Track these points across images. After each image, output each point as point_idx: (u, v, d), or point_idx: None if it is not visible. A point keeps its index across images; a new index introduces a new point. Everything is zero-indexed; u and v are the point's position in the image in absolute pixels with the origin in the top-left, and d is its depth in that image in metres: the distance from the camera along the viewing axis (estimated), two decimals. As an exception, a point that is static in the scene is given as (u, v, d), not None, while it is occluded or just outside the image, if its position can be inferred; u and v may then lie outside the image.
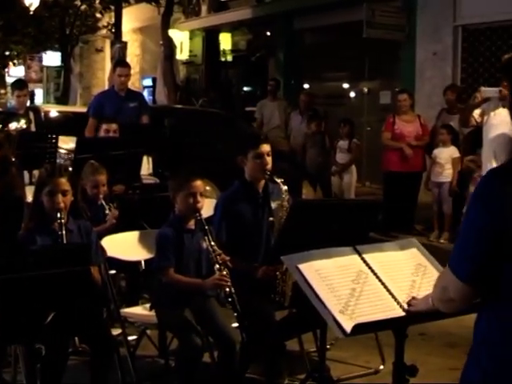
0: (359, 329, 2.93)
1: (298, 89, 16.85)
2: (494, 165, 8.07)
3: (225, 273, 4.85)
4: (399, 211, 10.99)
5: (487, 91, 7.89)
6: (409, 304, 3.04)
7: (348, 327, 2.93)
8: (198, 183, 5.10)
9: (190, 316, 4.98)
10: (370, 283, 3.17)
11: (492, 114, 8.06)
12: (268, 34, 19.08)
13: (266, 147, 5.44)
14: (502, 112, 7.67)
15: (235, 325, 4.97)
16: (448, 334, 6.90)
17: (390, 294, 3.13)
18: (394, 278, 3.22)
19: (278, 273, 5.17)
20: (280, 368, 5.25)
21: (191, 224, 5.12)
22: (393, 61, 14.81)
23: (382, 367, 5.92)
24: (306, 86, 17.61)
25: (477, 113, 8.31)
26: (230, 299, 4.80)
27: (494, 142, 8.19)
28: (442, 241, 10.39)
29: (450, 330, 6.86)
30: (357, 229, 4.07)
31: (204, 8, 20.71)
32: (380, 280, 3.18)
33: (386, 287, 3.16)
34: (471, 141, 10.47)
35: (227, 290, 4.82)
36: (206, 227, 4.96)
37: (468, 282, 2.40)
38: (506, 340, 2.38)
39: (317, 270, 3.15)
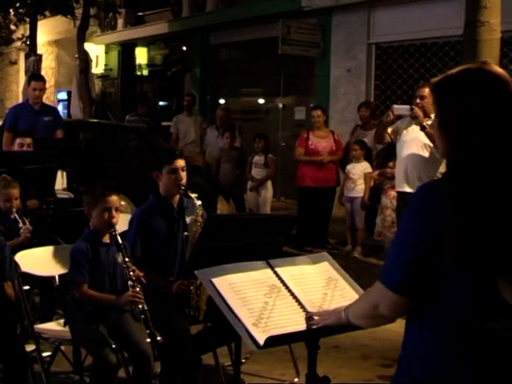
0: (272, 341, 2.96)
1: (214, 104, 16.90)
2: (405, 183, 8.24)
3: (138, 289, 4.83)
4: (313, 226, 11.11)
5: (399, 109, 8.04)
6: (311, 318, 3.07)
7: (261, 340, 2.95)
8: (113, 198, 5.07)
9: (104, 331, 4.95)
10: (283, 297, 3.21)
11: (404, 131, 8.21)
12: (184, 48, 19.08)
13: (180, 162, 5.46)
14: (414, 129, 7.83)
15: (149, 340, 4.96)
16: (361, 346, 6.98)
17: (302, 307, 3.18)
18: (305, 291, 3.26)
19: (192, 287, 5.19)
20: (196, 382, 5.24)
21: (106, 238, 5.09)
22: (308, 77, 14.96)
23: (296, 380, 5.96)
24: (222, 101, 17.66)
25: (389, 130, 8.46)
26: (142, 316, 4.78)
27: (406, 160, 8.35)
28: (355, 255, 10.53)
29: (363, 342, 6.95)
30: (270, 243, 4.10)
31: (120, 22, 20.61)
32: (292, 293, 3.23)
33: (297, 300, 3.20)
34: (384, 157, 10.66)
35: (140, 306, 4.80)
36: (121, 242, 4.95)
37: (400, 291, 2.42)
38: (439, 350, 2.41)
39: (230, 283, 3.17)
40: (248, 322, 3.01)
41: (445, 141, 2.50)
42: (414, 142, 8.18)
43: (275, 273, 3.31)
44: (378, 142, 10.00)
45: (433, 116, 5.83)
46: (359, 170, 10.65)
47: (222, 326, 3.32)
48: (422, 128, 7.70)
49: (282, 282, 3.27)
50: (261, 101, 17.25)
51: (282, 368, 6.18)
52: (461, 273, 2.36)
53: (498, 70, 2.50)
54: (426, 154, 7.96)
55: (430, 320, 2.44)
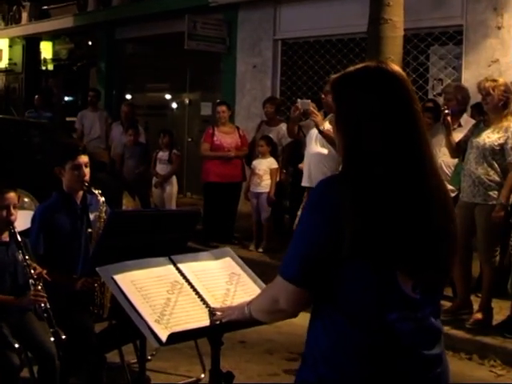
0: (175, 338, 2.95)
1: (119, 99, 16.76)
2: (309, 179, 8.35)
3: (39, 287, 4.75)
4: (219, 221, 11.14)
5: (303, 103, 8.10)
6: (213, 313, 3.07)
7: (163, 336, 2.94)
8: (11, 195, 4.99)
9: (7, 332, 4.86)
10: (185, 293, 3.20)
11: (313, 128, 8.31)
12: (90, 43, 18.88)
13: (83, 158, 5.40)
14: (326, 126, 7.91)
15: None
16: (267, 341, 7.04)
17: (205, 303, 3.18)
18: (208, 287, 3.26)
19: (96, 284, 5.15)
20: (101, 381, 5.19)
21: (5, 236, 4.99)
22: (214, 73, 14.96)
23: (202, 376, 5.97)
24: (128, 96, 17.53)
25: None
26: (45, 314, 4.71)
27: (310, 156, 8.46)
28: (260, 250, 10.59)
29: (269, 337, 7.01)
30: (174, 239, 4.09)
31: (24, 15, 20.26)
32: (195, 289, 3.22)
33: (200, 296, 3.20)
34: (290, 152, 10.75)
35: (42, 305, 4.72)
36: (20, 240, 4.85)
37: (298, 284, 2.43)
38: (341, 345, 2.43)
39: (132, 280, 3.15)
40: (150, 318, 2.99)
41: (342, 137, 2.53)
42: (318, 138, 8.29)
43: (177, 269, 3.30)
44: (290, 136, 10.12)
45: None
46: (265, 165, 10.70)
47: (127, 323, 3.29)
48: (321, 129, 7.79)
49: (185, 278, 3.27)
50: (167, 96, 17.19)
51: (188, 364, 6.18)
52: (359, 267, 2.39)
53: (396, 68, 2.55)
54: (327, 151, 8.07)
55: (331, 316, 2.46)
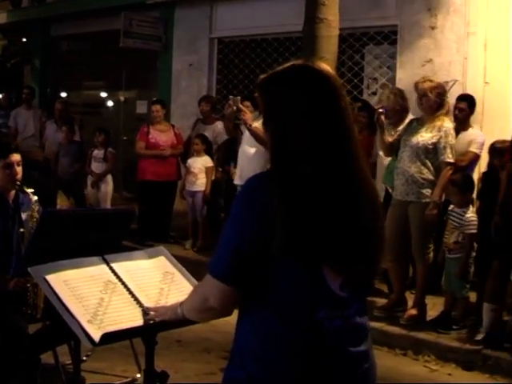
0: (108, 338, 2.93)
1: (54, 97, 16.53)
2: (240, 177, 8.38)
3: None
4: (155, 220, 11.09)
5: (234, 100, 8.10)
6: (147, 313, 3.05)
7: (96, 337, 2.92)
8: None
9: None
10: (119, 292, 3.18)
11: (253, 125, 8.32)
12: (24, 40, 18.60)
13: (16, 157, 5.33)
14: (256, 124, 7.92)
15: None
16: (204, 340, 7.04)
17: (138, 302, 3.16)
18: (141, 286, 3.25)
19: (29, 285, 5.07)
20: (35, 382, 5.13)
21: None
22: (150, 71, 14.86)
23: (138, 375, 5.94)
24: (63, 94, 17.32)
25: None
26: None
27: (242, 154, 8.49)
28: (196, 248, 10.59)
29: (205, 336, 7.01)
30: (108, 238, 4.06)
31: (-43, 10, 19.90)
32: (128, 289, 3.20)
33: (133, 296, 3.18)
34: (225, 150, 10.76)
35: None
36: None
37: (227, 281, 2.43)
38: (270, 343, 2.43)
39: (65, 280, 3.12)
40: (83, 319, 2.97)
41: (270, 135, 2.54)
42: (249, 136, 8.31)
43: (111, 268, 3.28)
44: (227, 134, 10.13)
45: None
46: (200, 163, 10.70)
47: (61, 324, 3.25)
48: (248, 127, 7.80)
49: (118, 277, 3.25)
50: (103, 94, 17.03)
51: (124, 364, 6.15)
52: (289, 265, 2.40)
53: (323, 66, 2.57)
54: (255, 149, 8.08)
55: (260, 313, 2.47)
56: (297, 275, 2.41)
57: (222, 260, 2.46)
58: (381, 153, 8.27)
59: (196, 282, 3.38)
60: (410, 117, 8.19)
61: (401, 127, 7.96)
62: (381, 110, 7.68)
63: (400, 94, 8.29)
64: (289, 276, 2.41)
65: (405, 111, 8.21)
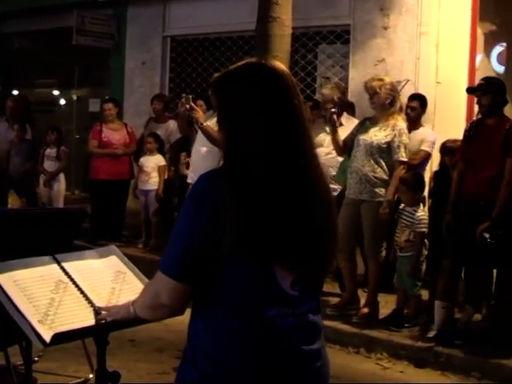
0: (59, 338, 2.89)
1: (5, 95, 16.34)
2: (194, 175, 8.36)
3: None
4: (107, 219, 11.03)
5: (188, 98, 8.09)
6: (98, 312, 3.03)
7: (47, 337, 2.88)
8: None
9: None
10: (70, 292, 3.14)
11: (204, 123, 8.30)
12: (-26, 37, 18.37)
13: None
14: (209, 122, 7.91)
15: None
16: (157, 339, 7.02)
17: (90, 302, 3.13)
18: (93, 286, 3.21)
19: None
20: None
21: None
22: (103, 69, 14.77)
23: (91, 376, 5.90)
24: (15, 92, 17.13)
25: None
26: None
27: (195, 152, 8.48)
28: (148, 248, 10.55)
29: (158, 335, 6.99)
30: (60, 237, 4.02)
31: None
32: (79, 288, 3.17)
33: (85, 296, 3.15)
34: (177, 149, 10.73)
35: None
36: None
37: (178, 278, 2.42)
38: (222, 342, 2.43)
39: (15, 280, 3.08)
40: (34, 319, 2.93)
41: (223, 133, 2.53)
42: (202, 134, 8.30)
43: (62, 268, 3.24)
44: (181, 133, 10.12)
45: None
46: (153, 162, 10.68)
47: (12, 324, 3.21)
48: (200, 125, 7.80)
49: (69, 277, 3.21)
50: (55, 92, 16.89)
51: (77, 365, 6.10)
52: (239, 263, 2.40)
53: (277, 64, 2.57)
54: (207, 148, 8.07)
55: (212, 312, 2.46)
56: (248, 273, 2.41)
57: (173, 257, 2.46)
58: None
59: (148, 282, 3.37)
60: (345, 115, 8.27)
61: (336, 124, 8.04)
62: (333, 110, 7.71)
63: (341, 89, 8.40)
64: (240, 274, 2.41)
65: (341, 106, 8.23)
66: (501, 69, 10.85)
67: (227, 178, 2.41)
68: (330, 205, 2.60)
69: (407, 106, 8.35)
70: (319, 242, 2.51)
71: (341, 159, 8.24)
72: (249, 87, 2.48)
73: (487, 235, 6.70)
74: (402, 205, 7.54)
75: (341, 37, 10.68)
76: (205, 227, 2.39)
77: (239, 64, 2.57)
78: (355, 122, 8.32)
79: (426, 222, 7.37)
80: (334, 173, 8.24)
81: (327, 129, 8.28)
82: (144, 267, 3.59)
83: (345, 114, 8.45)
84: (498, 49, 10.93)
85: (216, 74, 2.65)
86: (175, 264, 2.44)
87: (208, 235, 2.38)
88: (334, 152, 8.12)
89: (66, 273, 3.22)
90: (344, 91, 8.54)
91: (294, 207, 2.43)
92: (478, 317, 7.41)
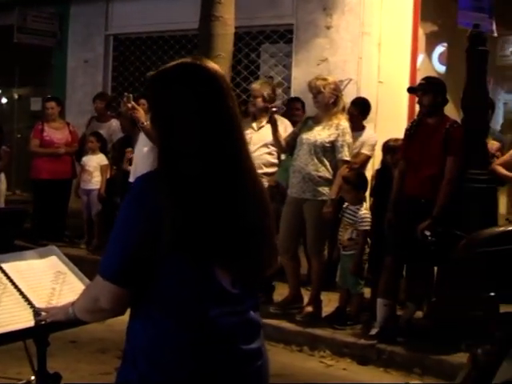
0: (-3, 340, 2.87)
1: None
2: (132, 175, 8.33)
3: None
4: (49, 219, 10.92)
5: (129, 97, 8.04)
6: (38, 314, 3.00)
7: (-15, 339, 2.85)
8: None
9: None
10: (9, 293, 3.10)
11: (146, 123, 8.26)
12: None
13: None
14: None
15: None
16: (99, 340, 6.97)
17: (29, 303, 3.09)
18: (33, 286, 3.18)
19: None
20: None
21: None
22: (45, 67, 14.60)
23: (33, 378, 5.81)
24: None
25: None
26: None
27: (137, 152, 8.45)
28: (91, 248, 10.47)
29: (101, 336, 6.94)
30: (0, 237, 3.97)
31: None
32: (19, 289, 3.13)
33: (24, 297, 3.11)
34: (119, 148, 10.65)
35: None
36: None
37: (117, 282, 2.41)
38: (161, 342, 2.42)
39: (-47, 281, 3.04)
40: (-28, 321, 2.89)
41: (158, 133, 2.54)
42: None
43: (0, 268, 3.20)
44: (123, 132, 10.06)
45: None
46: (95, 161, 10.61)
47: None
48: (141, 125, 7.77)
49: (8, 277, 3.17)
50: (-4, 91, 16.70)
51: (18, 366, 5.98)
52: (176, 262, 2.41)
53: (211, 64, 2.58)
54: (147, 148, 8.04)
55: (150, 312, 2.46)
56: (183, 272, 2.42)
57: (112, 261, 2.45)
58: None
59: (89, 282, 3.34)
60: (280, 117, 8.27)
61: (264, 122, 8.05)
62: (274, 109, 7.72)
63: (272, 87, 8.42)
64: (176, 274, 2.42)
65: (269, 102, 8.21)
66: (442, 69, 11.01)
67: (164, 179, 2.41)
68: (264, 204, 2.61)
69: (348, 110, 8.36)
70: (253, 242, 2.52)
71: (269, 158, 8.23)
72: (182, 87, 2.49)
73: (428, 233, 6.77)
74: (346, 203, 7.59)
75: (284, 36, 10.72)
76: (142, 229, 2.39)
77: (173, 63, 2.58)
78: (285, 121, 8.40)
79: (369, 220, 7.43)
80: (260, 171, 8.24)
81: (254, 126, 8.29)
82: (86, 267, 3.56)
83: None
84: (440, 49, 11.09)
85: (150, 73, 2.64)
86: (114, 268, 2.44)
87: (146, 237, 2.39)
88: (261, 149, 8.14)
89: (5, 273, 3.18)
90: (274, 89, 8.54)
91: (228, 207, 2.45)
92: (419, 314, 7.48)
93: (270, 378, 2.66)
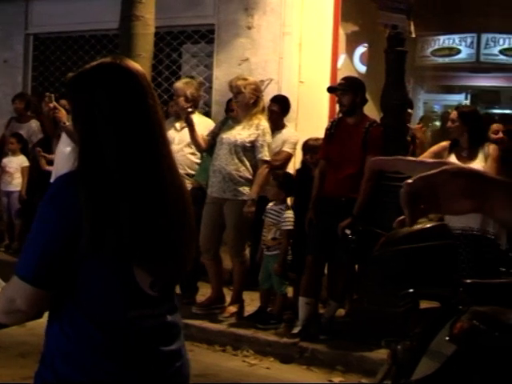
0: None
1: None
2: (54, 176, 8.24)
3: None
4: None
5: (50, 97, 7.93)
6: None
7: None
8: None
9: None
10: None
11: (67, 123, 8.17)
12: None
13: None
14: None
15: None
16: (20, 344, 6.88)
17: None
18: None
19: None
20: None
21: None
22: (-38, 67, 14.36)
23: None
24: None
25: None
26: None
27: (58, 153, 8.35)
28: (11, 250, 10.33)
29: (22, 340, 6.85)
30: None
31: None
32: None
33: None
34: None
35: None
36: None
37: (35, 284, 2.38)
38: (81, 344, 2.41)
39: None
40: None
41: (78, 134, 2.52)
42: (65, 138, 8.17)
43: None
44: (44, 132, 9.93)
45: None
46: (16, 163, 10.48)
47: None
48: (62, 125, 7.68)
49: None
50: None
51: None
52: (98, 264, 2.39)
53: (131, 63, 2.58)
54: (69, 148, 7.96)
55: (70, 314, 2.44)
56: (103, 274, 2.41)
57: (29, 262, 2.42)
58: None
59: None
60: (196, 113, 8.26)
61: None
62: (190, 110, 7.70)
63: (196, 86, 8.41)
64: (95, 275, 2.41)
65: (191, 101, 8.21)
66: (363, 69, 11.15)
67: (83, 179, 2.40)
68: (185, 206, 2.61)
69: (268, 108, 8.40)
70: (175, 243, 2.52)
71: (193, 158, 8.23)
72: (101, 87, 2.48)
73: (348, 231, 6.85)
74: (270, 204, 7.62)
75: (205, 36, 10.71)
76: (60, 229, 2.37)
77: (93, 63, 2.56)
78: (208, 121, 8.46)
79: (292, 219, 7.47)
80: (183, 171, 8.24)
81: (177, 126, 8.28)
82: (7, 270, 3.50)
83: (196, 113, 8.34)
84: (361, 49, 11.23)
85: (70, 74, 2.62)
86: (30, 268, 2.41)
87: (64, 237, 2.37)
88: (185, 150, 8.14)
89: None
90: (198, 89, 8.53)
91: (149, 208, 2.44)
92: (341, 312, 7.56)
93: (189, 378, 2.66)
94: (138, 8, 8.40)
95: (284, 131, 8.52)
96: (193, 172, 8.17)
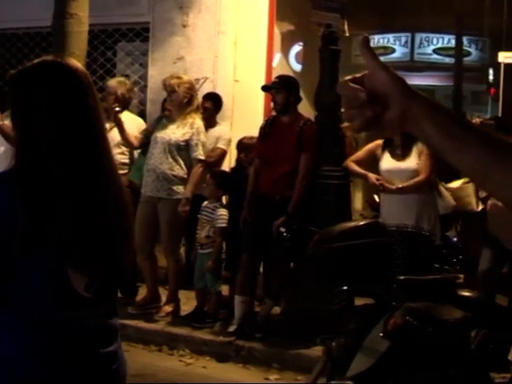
0: None
1: None
2: None
3: None
4: None
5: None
6: None
7: None
8: None
9: None
10: None
11: (1, 122, 8.04)
12: None
13: None
14: (6, 122, 7.65)
15: None
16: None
17: None
18: None
19: None
20: None
21: None
22: None
23: None
24: None
25: None
26: None
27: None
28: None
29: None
30: None
31: None
32: None
33: None
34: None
35: None
36: None
37: None
38: (11, 348, 2.37)
39: None
40: None
41: (16, 133, 2.51)
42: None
43: None
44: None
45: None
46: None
47: None
48: None
49: None
50: None
51: None
52: (32, 264, 2.37)
53: (73, 62, 2.58)
54: (3, 148, 7.83)
55: (2, 315, 2.41)
56: (40, 275, 2.39)
57: None
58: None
59: None
60: (127, 112, 8.20)
61: None
62: (117, 109, 7.64)
63: (129, 87, 8.38)
64: (32, 276, 2.39)
65: (121, 101, 8.16)
66: (298, 68, 11.20)
67: (18, 178, 2.38)
68: (124, 207, 2.60)
69: (202, 105, 8.39)
70: (112, 245, 2.50)
71: (121, 158, 8.16)
72: (41, 85, 2.46)
73: (283, 230, 6.86)
74: (206, 202, 7.62)
75: (140, 34, 10.65)
76: None
77: (35, 61, 2.55)
78: (138, 120, 8.46)
79: (226, 217, 7.48)
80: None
81: (106, 125, 8.19)
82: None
83: (125, 112, 8.28)
84: (296, 48, 11.28)
85: (11, 72, 2.60)
86: None
87: (1, 238, 2.34)
88: (114, 150, 8.02)
89: None
90: (130, 89, 8.48)
91: (85, 207, 2.42)
92: (277, 310, 7.58)
93: (126, 380, 2.65)
94: (72, 5, 8.31)
95: (217, 128, 8.53)
96: (122, 172, 8.10)
